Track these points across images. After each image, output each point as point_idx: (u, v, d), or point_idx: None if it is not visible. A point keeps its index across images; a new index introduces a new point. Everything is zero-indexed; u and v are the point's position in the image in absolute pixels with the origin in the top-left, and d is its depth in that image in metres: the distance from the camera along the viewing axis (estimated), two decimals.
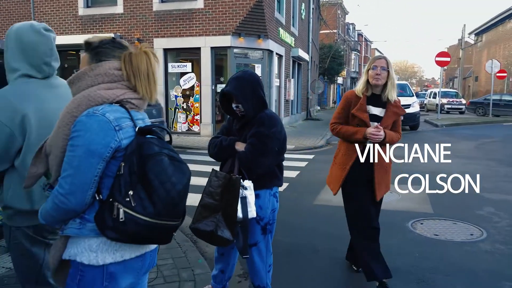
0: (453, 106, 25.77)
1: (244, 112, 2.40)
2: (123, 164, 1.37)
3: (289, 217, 4.60)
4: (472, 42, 38.98)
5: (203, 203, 2.31)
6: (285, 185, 5.40)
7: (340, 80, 41.90)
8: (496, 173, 7.45)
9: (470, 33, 37.94)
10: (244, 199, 2.31)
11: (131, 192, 1.35)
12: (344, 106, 3.09)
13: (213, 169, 2.37)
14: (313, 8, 21.58)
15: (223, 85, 11.96)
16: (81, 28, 13.14)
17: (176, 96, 12.57)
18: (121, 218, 1.34)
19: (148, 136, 1.47)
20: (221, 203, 2.28)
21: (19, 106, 1.77)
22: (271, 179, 2.53)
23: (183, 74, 12.49)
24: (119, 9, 12.71)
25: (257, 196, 2.44)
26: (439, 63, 18.31)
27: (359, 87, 3.04)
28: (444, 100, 25.07)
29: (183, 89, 12.52)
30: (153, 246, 1.58)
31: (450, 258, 3.64)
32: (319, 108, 29.02)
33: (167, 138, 1.57)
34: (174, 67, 12.51)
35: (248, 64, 12.58)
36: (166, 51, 12.34)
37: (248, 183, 2.35)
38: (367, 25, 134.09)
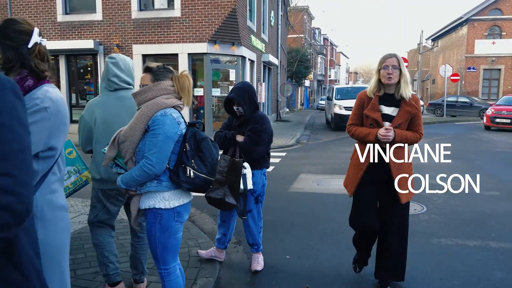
0: None
1: (242, 113, 3.30)
2: (187, 145, 2.23)
3: (269, 201, 5.46)
4: (430, 47, 41.52)
5: (214, 179, 3.17)
6: None
7: (307, 83, 43.42)
8: (438, 163, 8.69)
9: (427, 39, 40.35)
10: (244, 175, 3.20)
11: (193, 161, 2.23)
12: (358, 107, 3.06)
13: (221, 154, 3.24)
14: (281, 15, 22.72)
15: (200, 89, 12.93)
16: (60, 34, 13.55)
17: None
18: (192, 176, 2.21)
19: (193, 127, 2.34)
20: (227, 178, 3.16)
21: (94, 110, 2.62)
22: (262, 162, 3.44)
23: None
24: (98, 16, 13.24)
25: (251, 175, 3.33)
26: None
27: (371, 87, 3.00)
28: None
29: None
30: (192, 195, 2.45)
31: None
32: (288, 110, 30.20)
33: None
34: None
35: (223, 69, 13.46)
36: (144, 56, 12.99)
37: (246, 165, 3.24)
38: (333, 29, 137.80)
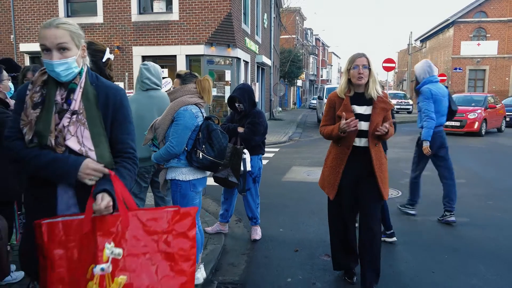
0: (401, 107, 28.31)
1: (243, 109, 4.01)
2: (200, 133, 2.94)
3: (265, 188, 6.22)
4: (419, 47, 42.59)
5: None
6: None
7: (299, 82, 44.25)
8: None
9: (416, 40, 41.43)
10: (244, 160, 3.91)
11: (204, 146, 2.94)
12: (329, 108, 3.08)
13: None
14: (274, 17, 23.46)
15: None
16: None
17: None
18: (201, 158, 2.92)
19: (209, 120, 3.06)
20: (230, 162, 3.86)
21: (130, 105, 3.34)
22: (258, 149, 4.17)
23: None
24: (99, 19, 13.85)
25: (250, 159, 4.05)
26: (385, 68, 20.68)
27: (341, 87, 3.00)
28: (394, 101, 27.66)
29: None
30: (208, 173, 3.16)
31: None
32: (280, 109, 30.97)
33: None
34: None
35: (219, 70, 14.16)
36: (144, 58, 13.63)
37: (246, 151, 3.95)
38: (324, 30, 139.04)
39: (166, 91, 3.49)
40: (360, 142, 2.97)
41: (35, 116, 1.68)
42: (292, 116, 25.80)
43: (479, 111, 14.51)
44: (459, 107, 15.02)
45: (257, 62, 18.53)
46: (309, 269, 3.55)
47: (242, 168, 3.90)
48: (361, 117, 2.92)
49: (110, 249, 1.48)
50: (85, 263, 1.48)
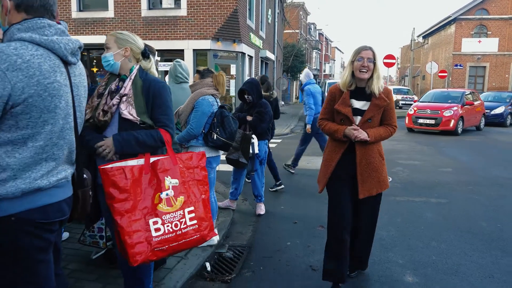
0: (406, 102, 28.59)
1: (251, 100, 4.64)
2: (215, 119, 3.58)
3: (268, 174, 6.89)
4: (422, 43, 42.99)
5: (232, 146, 4.52)
6: None
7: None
8: (413, 149, 10.15)
9: (418, 36, 41.80)
10: (252, 144, 4.54)
11: (218, 129, 3.58)
12: (329, 101, 2.99)
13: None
14: (278, 12, 23.97)
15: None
16: (74, 30, 14.73)
17: None
18: (215, 138, 3.56)
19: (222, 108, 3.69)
20: (240, 145, 4.50)
21: None
22: (264, 135, 4.80)
23: (167, 72, 14.47)
24: (110, 13, 14.44)
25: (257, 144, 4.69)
26: (386, 64, 21.22)
27: (344, 80, 2.87)
28: (399, 97, 27.88)
29: None
30: (221, 152, 3.79)
31: None
32: (283, 103, 31.54)
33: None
34: (160, 66, 14.45)
35: (225, 64, 14.75)
36: None
37: (254, 136, 4.58)
38: (328, 25, 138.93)
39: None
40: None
41: (96, 103, 2.33)
42: (294, 110, 26.38)
43: (455, 108, 13.49)
44: (435, 103, 14.29)
45: (261, 57, 19.10)
46: (306, 236, 4.20)
47: (250, 151, 4.53)
48: (359, 112, 2.86)
49: (168, 180, 2.15)
50: (148, 195, 2.13)
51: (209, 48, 13.85)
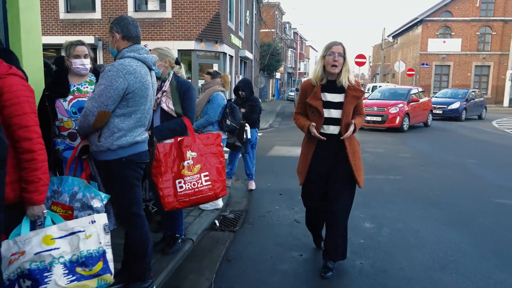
0: None
1: (244, 95, 5.70)
2: (227, 109, 4.64)
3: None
4: (392, 43, 45.05)
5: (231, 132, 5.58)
6: None
7: (278, 75, 46.03)
8: (380, 140, 11.46)
9: (388, 36, 43.82)
10: (246, 131, 5.60)
11: (230, 117, 4.66)
12: (301, 96, 3.14)
13: None
14: (255, 13, 25.04)
15: (189, 80, 15.19)
16: (62, 30, 15.33)
17: None
18: (228, 124, 4.63)
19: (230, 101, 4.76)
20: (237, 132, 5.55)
21: None
22: (255, 124, 5.88)
23: None
24: (97, 15, 15.12)
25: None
26: (358, 63, 22.64)
27: (316, 74, 3.00)
28: None
29: None
30: (225, 136, 4.85)
31: None
32: (260, 100, 32.63)
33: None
34: None
35: (207, 63, 15.71)
36: None
37: (246, 125, 5.64)
38: (302, 24, 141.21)
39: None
40: (328, 129, 3.05)
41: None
42: (272, 107, 27.59)
43: (400, 105, 13.56)
44: (381, 101, 14.17)
45: (240, 56, 20.15)
46: (290, 203, 5.30)
47: (244, 137, 5.60)
48: (331, 104, 2.98)
49: (189, 153, 3.15)
50: (175, 163, 3.12)
51: (193, 48, 14.77)
